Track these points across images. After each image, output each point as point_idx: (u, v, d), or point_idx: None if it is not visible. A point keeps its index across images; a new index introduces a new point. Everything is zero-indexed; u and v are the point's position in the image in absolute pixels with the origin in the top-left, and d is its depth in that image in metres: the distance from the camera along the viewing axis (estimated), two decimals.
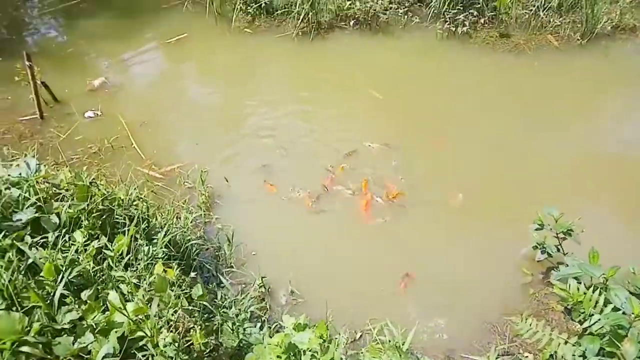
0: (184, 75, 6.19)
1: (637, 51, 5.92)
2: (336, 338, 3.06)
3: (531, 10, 6.06)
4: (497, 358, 2.92)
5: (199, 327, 2.31)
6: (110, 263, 2.66)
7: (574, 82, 5.44)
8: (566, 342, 2.46)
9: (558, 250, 3.46)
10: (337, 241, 3.91)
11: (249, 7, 6.75)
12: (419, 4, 6.62)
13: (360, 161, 4.55)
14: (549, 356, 2.75)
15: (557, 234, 3.43)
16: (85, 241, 2.70)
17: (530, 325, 2.66)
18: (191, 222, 3.78)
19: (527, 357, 3.07)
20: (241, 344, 2.62)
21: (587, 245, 3.17)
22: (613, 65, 5.70)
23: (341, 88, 5.59)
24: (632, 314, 2.37)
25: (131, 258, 2.78)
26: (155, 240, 3.08)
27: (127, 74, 6.03)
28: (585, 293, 2.75)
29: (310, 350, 2.18)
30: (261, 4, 6.66)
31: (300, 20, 6.35)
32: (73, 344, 2.10)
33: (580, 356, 2.41)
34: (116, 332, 2.11)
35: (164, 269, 2.60)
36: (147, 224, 3.17)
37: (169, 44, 6.45)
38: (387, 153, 4.60)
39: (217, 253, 3.70)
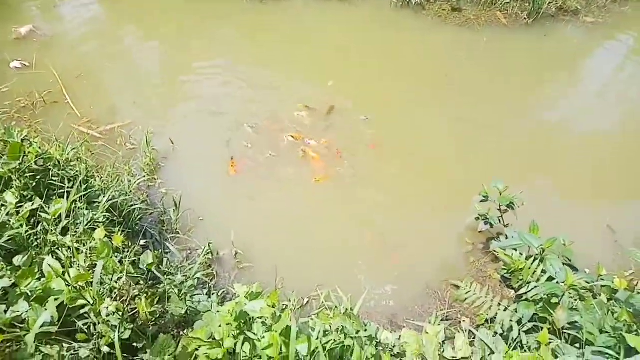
0: (124, 27, 5.76)
1: (576, 33, 6.18)
2: (285, 304, 3.08)
3: None
4: (438, 323, 3.05)
5: (145, 295, 2.21)
6: (47, 227, 2.47)
7: (518, 59, 5.62)
8: (506, 309, 2.61)
9: (499, 221, 3.63)
10: (287, 205, 3.88)
11: None
12: None
13: (305, 121, 4.51)
14: (484, 321, 2.93)
15: (500, 206, 3.58)
16: (17, 203, 2.49)
17: (474, 290, 2.79)
18: (134, 185, 3.60)
19: (464, 321, 3.24)
20: (188, 312, 2.56)
21: (525, 218, 3.36)
22: (554, 45, 5.92)
23: (292, 50, 5.44)
24: (565, 283, 2.54)
25: (69, 222, 2.60)
26: (95, 204, 2.90)
27: (59, 22, 5.55)
28: (525, 262, 2.93)
29: (261, 318, 2.16)
30: None
31: None
32: (5, 312, 1.95)
33: (517, 321, 2.56)
34: (56, 300, 1.98)
35: (106, 235, 2.46)
36: (86, 186, 2.97)
37: None
38: (333, 116, 4.58)
39: (161, 218, 3.56)
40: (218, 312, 2.23)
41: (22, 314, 1.93)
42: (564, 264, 3.24)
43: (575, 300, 2.67)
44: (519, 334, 2.46)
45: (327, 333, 2.15)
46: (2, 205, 2.43)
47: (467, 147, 4.49)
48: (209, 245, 3.33)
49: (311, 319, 2.48)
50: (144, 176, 3.78)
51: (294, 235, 3.67)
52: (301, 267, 3.46)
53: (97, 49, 5.22)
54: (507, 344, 2.47)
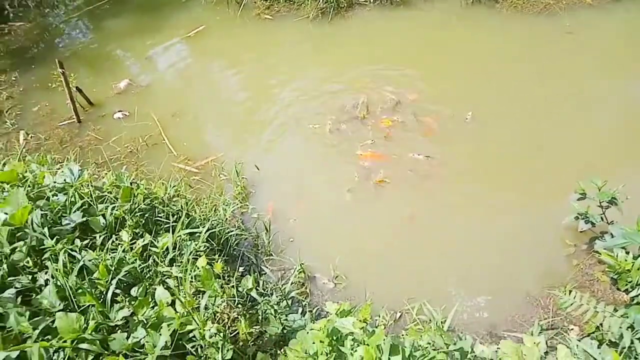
0: (208, 66, 6.21)
1: None
2: (376, 319, 3.12)
3: None
4: (540, 332, 2.90)
5: (244, 317, 2.39)
6: (156, 259, 2.77)
7: (610, 40, 5.19)
8: (612, 315, 2.42)
9: (602, 219, 3.36)
10: (373, 219, 3.93)
11: None
12: None
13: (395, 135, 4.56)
14: (595, 328, 2.72)
15: (600, 202, 3.33)
16: (130, 240, 2.82)
17: (574, 298, 2.62)
18: (228, 214, 3.88)
19: (572, 329, 3.03)
20: (284, 330, 2.70)
21: (632, 212, 3.08)
22: None
23: (365, 64, 5.50)
24: None
25: (175, 254, 2.89)
26: (197, 234, 3.18)
27: (152, 71, 6.14)
28: (633, 262, 2.70)
29: (352, 334, 2.23)
30: None
31: (318, 1, 6.28)
32: (127, 339, 2.23)
33: (628, 328, 2.36)
34: (169, 326, 2.22)
35: (208, 262, 2.70)
36: (187, 219, 3.28)
37: (190, 38, 6.52)
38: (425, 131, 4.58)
39: (255, 242, 3.79)
40: (311, 329, 2.34)
41: (140, 339, 2.19)
42: None
43: None
44: (632, 342, 2.26)
45: (417, 348, 2.16)
46: (119, 243, 2.77)
47: (558, 141, 4.24)
48: (300, 265, 3.48)
49: (401, 335, 2.50)
50: (237, 204, 4.05)
51: (382, 249, 3.70)
52: (392, 281, 3.48)
53: (187, 88, 5.71)
54: (619, 353, 2.28)
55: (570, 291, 2.70)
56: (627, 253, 2.78)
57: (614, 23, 5.34)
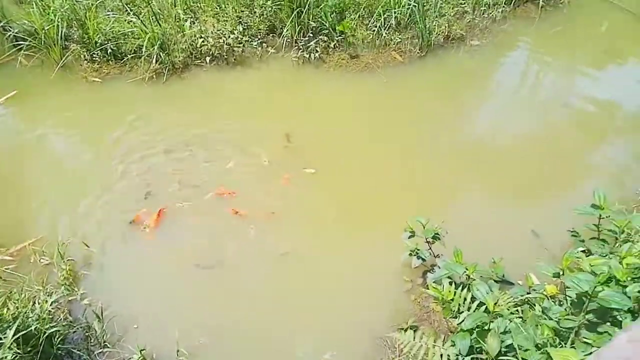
0: (23, 134, 5.43)
1: (467, 56, 6.62)
2: None
3: (374, 30, 6.49)
4: None
5: None
6: None
7: (420, 90, 5.95)
8: (440, 347, 2.59)
9: (430, 254, 3.68)
10: (226, 297, 3.76)
11: (94, 55, 6.33)
12: (272, 34, 6.75)
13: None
14: None
15: (426, 239, 3.64)
16: None
17: (408, 337, 2.75)
18: (51, 305, 3.36)
19: None
20: None
21: (460, 243, 3.40)
22: (449, 70, 6.32)
23: (202, 125, 5.42)
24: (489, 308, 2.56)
25: None
26: (2, 341, 2.67)
27: None
28: (455, 292, 2.95)
29: None
30: (107, 50, 6.28)
31: (151, 63, 6.12)
32: None
33: (457, 356, 2.54)
34: None
35: None
36: None
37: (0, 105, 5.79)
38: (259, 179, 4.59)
39: (87, 334, 3.33)
40: None
41: None
42: (497, 281, 3.32)
43: (510, 320, 2.70)
44: None
45: None
46: None
47: (392, 180, 4.63)
48: (140, 352, 3.13)
49: None
50: (62, 292, 3.55)
51: (227, 322, 3.54)
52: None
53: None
54: None
55: (406, 330, 2.84)
56: (451, 284, 3.04)
57: (421, 76, 6.15)
